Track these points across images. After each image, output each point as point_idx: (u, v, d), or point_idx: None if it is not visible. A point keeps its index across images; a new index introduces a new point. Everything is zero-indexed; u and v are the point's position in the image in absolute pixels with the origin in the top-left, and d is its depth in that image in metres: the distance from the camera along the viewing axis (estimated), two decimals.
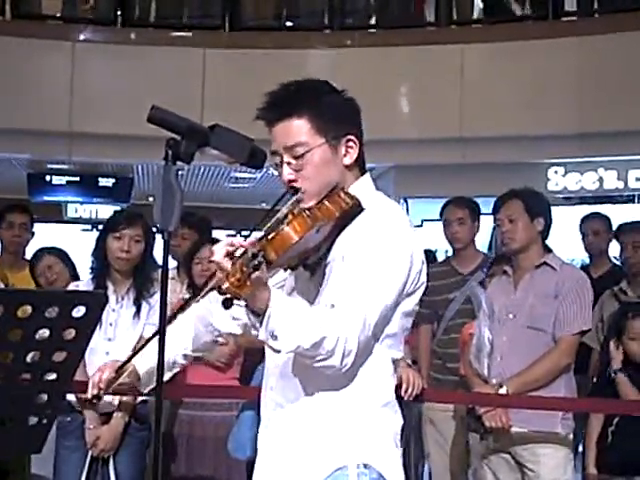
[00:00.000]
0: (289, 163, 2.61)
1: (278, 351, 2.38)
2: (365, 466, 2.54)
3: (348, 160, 2.66)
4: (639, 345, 4.88)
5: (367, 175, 2.74)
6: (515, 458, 4.63)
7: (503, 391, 4.54)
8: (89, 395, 2.84)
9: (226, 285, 2.23)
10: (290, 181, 2.61)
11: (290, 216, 2.43)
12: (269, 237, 2.36)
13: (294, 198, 2.55)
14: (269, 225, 2.42)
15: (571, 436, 4.70)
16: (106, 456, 4.70)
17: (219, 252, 2.32)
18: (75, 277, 5.85)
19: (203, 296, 2.63)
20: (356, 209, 2.54)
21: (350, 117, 2.69)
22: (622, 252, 6.18)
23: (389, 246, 2.52)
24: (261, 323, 2.34)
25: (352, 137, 2.65)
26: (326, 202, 2.52)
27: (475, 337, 4.73)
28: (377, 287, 2.48)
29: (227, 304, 2.29)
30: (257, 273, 2.26)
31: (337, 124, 2.64)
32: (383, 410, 2.61)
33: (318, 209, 2.49)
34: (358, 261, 2.48)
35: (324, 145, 2.61)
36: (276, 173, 2.68)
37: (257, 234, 2.42)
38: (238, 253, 2.30)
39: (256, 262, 2.25)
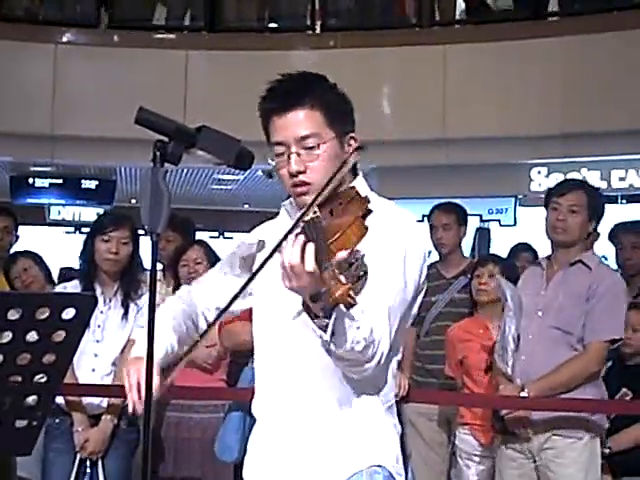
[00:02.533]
0: (298, 154, 2.56)
1: (331, 352, 2.32)
2: (378, 466, 2.55)
3: (354, 159, 2.61)
4: (632, 334, 4.92)
5: (361, 175, 2.72)
6: (532, 453, 4.48)
7: (524, 395, 4.40)
8: (139, 410, 2.56)
9: (339, 293, 2.15)
10: (299, 172, 2.56)
11: (336, 224, 2.37)
12: (329, 243, 2.28)
13: (311, 213, 2.38)
14: (318, 231, 2.32)
15: (607, 425, 4.57)
16: (94, 458, 4.69)
17: (309, 261, 2.20)
18: (50, 280, 5.85)
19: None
20: (367, 211, 2.49)
21: (350, 114, 2.66)
22: (619, 252, 6.08)
23: (408, 249, 2.52)
24: (325, 327, 2.26)
25: (354, 134, 2.63)
26: (351, 203, 2.47)
27: (499, 334, 4.59)
28: (400, 289, 2.48)
29: (313, 313, 2.26)
30: (361, 281, 2.24)
31: (344, 120, 2.62)
32: (388, 412, 2.62)
33: (353, 211, 2.43)
34: (380, 263, 2.42)
35: (335, 140, 2.58)
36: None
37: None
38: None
39: (361, 273, 2.23)
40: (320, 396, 2.55)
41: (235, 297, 2.51)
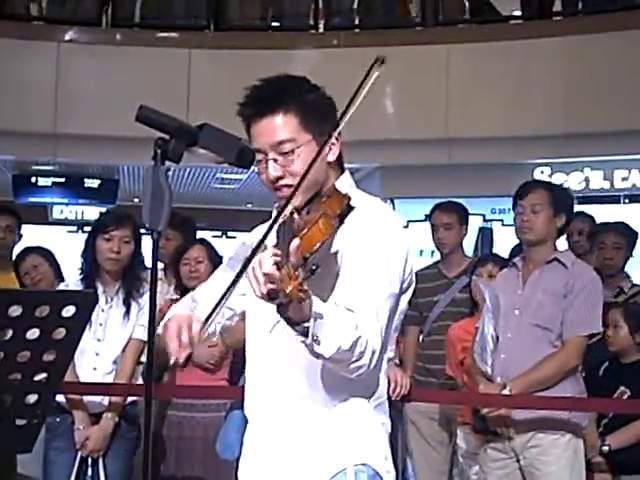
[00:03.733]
0: (275, 160, 2.58)
1: (319, 356, 2.32)
2: (363, 465, 2.54)
3: (332, 157, 2.65)
4: (614, 331, 4.95)
5: (347, 172, 2.74)
6: (516, 451, 4.48)
7: (506, 392, 4.42)
8: (182, 359, 2.55)
9: (290, 288, 2.15)
10: (277, 178, 2.58)
11: (307, 221, 2.39)
12: (298, 240, 2.28)
13: (288, 210, 2.46)
14: (288, 230, 2.38)
15: (585, 422, 4.57)
16: (95, 456, 4.69)
17: (267, 263, 2.20)
18: (60, 278, 5.82)
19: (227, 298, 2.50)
20: (349, 208, 2.49)
21: (332, 114, 2.67)
22: (600, 253, 6.06)
23: (390, 244, 2.52)
24: (305, 331, 2.26)
25: (335, 134, 2.63)
26: (327, 200, 2.47)
27: (478, 334, 4.63)
28: (384, 287, 2.47)
29: (283, 311, 2.23)
30: (315, 275, 2.23)
31: (322, 121, 2.62)
32: (376, 410, 2.62)
33: (327, 207, 2.43)
34: (363, 261, 2.46)
35: (312, 142, 2.59)
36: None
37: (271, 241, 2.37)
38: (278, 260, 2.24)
39: (314, 267, 2.22)
40: (305, 395, 2.56)
41: (222, 297, 2.51)
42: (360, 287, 2.42)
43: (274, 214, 2.64)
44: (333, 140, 2.63)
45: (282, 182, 2.58)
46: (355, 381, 2.51)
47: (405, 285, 2.60)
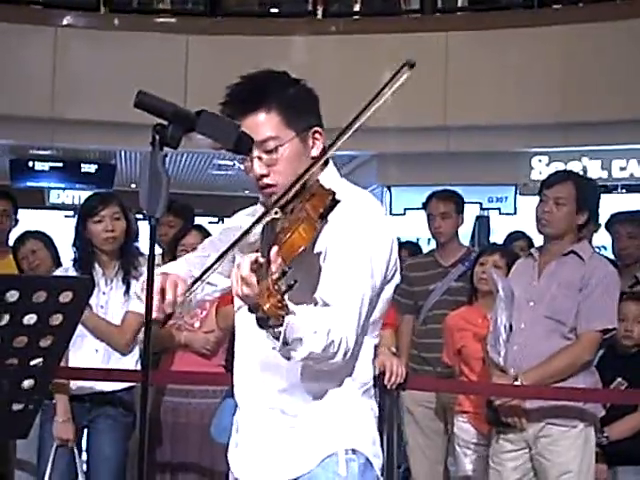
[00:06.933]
0: (260, 158, 2.58)
1: (289, 359, 2.34)
2: (353, 452, 2.56)
3: (316, 152, 2.64)
4: (624, 326, 4.88)
5: (331, 164, 2.73)
6: (528, 442, 4.44)
7: (518, 384, 4.38)
8: (161, 317, 2.57)
9: (267, 306, 2.18)
10: (262, 176, 2.59)
11: (290, 223, 2.40)
12: (279, 247, 2.31)
13: (272, 213, 2.50)
14: (271, 233, 2.40)
15: (602, 412, 4.53)
16: (70, 445, 4.69)
17: (245, 268, 2.24)
18: (58, 264, 5.80)
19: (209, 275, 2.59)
20: (333, 203, 2.48)
21: (313, 108, 2.68)
22: (615, 242, 6.05)
23: (373, 237, 2.53)
24: (277, 336, 2.27)
25: (318, 128, 2.65)
26: (311, 199, 2.47)
27: (491, 325, 4.57)
28: (366, 280, 2.48)
29: (264, 324, 2.24)
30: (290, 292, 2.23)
31: (304, 116, 2.63)
32: (364, 396, 2.64)
33: (310, 208, 2.43)
34: (345, 255, 2.47)
35: (295, 138, 2.60)
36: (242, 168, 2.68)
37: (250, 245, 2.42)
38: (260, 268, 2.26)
39: (292, 282, 2.21)
40: (292, 383, 2.57)
41: (209, 268, 2.59)
42: (342, 282, 2.44)
43: (258, 209, 2.70)
44: (317, 135, 2.65)
45: (266, 180, 2.59)
46: (343, 369, 2.54)
47: (390, 275, 2.61)
